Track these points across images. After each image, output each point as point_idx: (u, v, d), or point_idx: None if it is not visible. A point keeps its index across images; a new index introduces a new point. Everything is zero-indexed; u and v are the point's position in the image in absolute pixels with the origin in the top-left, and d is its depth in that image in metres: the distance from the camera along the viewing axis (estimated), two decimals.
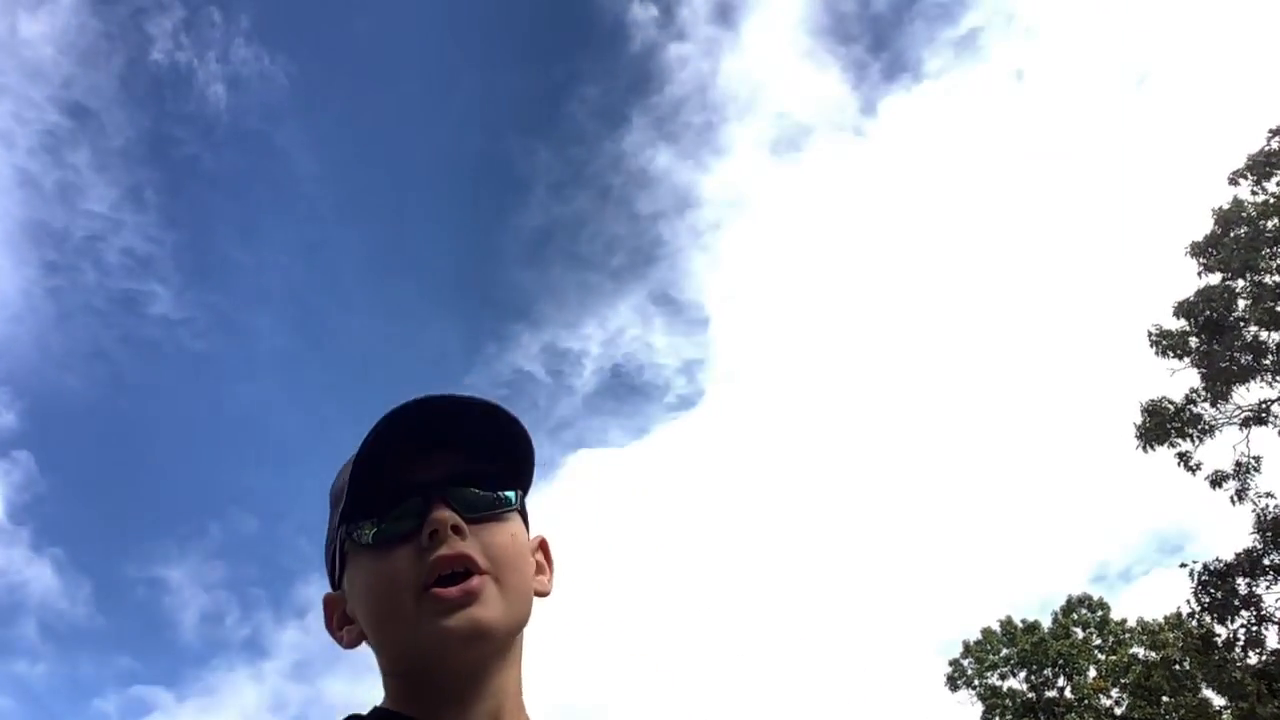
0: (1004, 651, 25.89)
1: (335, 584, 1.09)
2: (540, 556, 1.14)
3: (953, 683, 25.90)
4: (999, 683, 25.72)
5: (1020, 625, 26.24)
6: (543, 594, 1.10)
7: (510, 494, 1.05)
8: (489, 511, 1.02)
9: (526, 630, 1.06)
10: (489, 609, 0.97)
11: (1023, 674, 25.66)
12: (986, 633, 26.35)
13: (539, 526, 1.15)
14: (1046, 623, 26.31)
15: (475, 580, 0.97)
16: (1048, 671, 25.39)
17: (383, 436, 0.99)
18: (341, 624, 1.08)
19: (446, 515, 0.98)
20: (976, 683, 25.72)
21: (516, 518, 1.06)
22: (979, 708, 25.45)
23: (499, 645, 1.00)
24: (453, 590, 0.96)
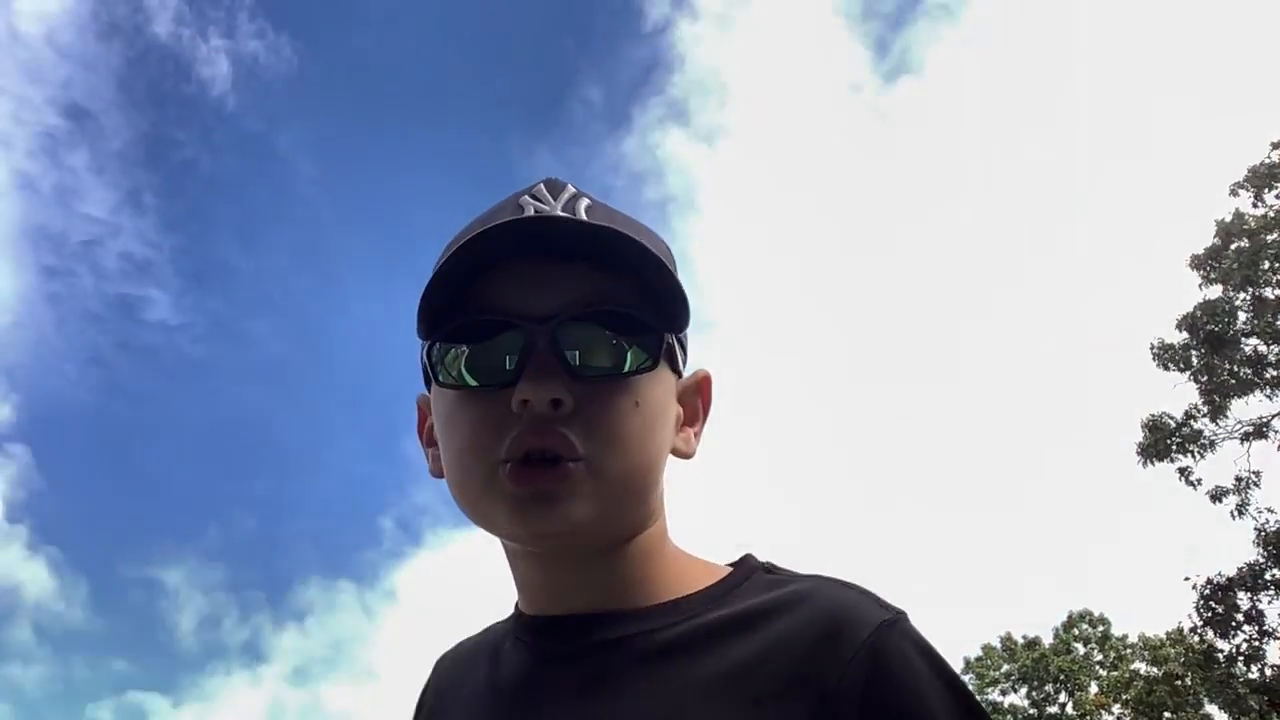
0: (1005, 667, 25.80)
1: (427, 383, 0.88)
2: (697, 401, 0.92)
3: None
4: (1000, 699, 25.62)
5: (1021, 641, 26.14)
6: (683, 455, 0.88)
7: (645, 341, 0.81)
8: (608, 370, 0.79)
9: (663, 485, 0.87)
10: (575, 508, 0.77)
11: (1024, 690, 25.56)
12: (987, 649, 26.27)
13: None
14: (1047, 638, 26.22)
15: (560, 469, 0.77)
16: (1049, 688, 25.27)
17: (489, 237, 0.78)
18: (430, 440, 0.89)
19: (544, 385, 0.76)
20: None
21: (651, 375, 0.82)
22: None
23: (599, 540, 0.82)
24: (526, 485, 0.77)
